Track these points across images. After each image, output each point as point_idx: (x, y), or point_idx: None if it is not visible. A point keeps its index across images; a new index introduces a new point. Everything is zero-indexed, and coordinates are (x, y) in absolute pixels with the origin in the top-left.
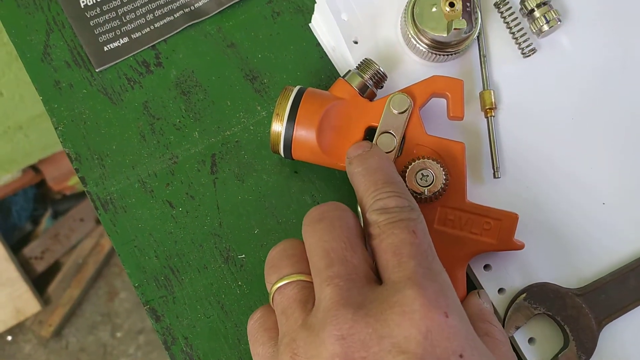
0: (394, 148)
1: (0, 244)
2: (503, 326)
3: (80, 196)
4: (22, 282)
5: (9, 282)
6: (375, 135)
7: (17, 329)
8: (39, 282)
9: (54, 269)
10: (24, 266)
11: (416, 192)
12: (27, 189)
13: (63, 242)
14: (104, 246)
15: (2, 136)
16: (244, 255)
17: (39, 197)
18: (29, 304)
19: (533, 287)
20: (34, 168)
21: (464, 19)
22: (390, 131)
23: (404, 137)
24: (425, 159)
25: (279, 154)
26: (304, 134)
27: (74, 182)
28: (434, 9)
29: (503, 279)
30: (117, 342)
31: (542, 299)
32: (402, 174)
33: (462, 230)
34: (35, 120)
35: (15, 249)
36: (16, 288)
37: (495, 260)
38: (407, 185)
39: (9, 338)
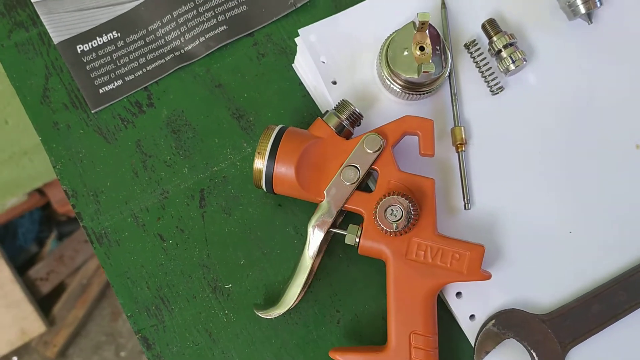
0: (357, 180)
1: (7, 266)
2: (473, 352)
3: None
4: (28, 303)
5: (14, 303)
6: (341, 168)
7: (22, 350)
8: (44, 303)
9: (59, 290)
10: (30, 287)
11: (386, 228)
12: (32, 211)
13: (68, 264)
14: None
15: (8, 161)
16: (230, 285)
17: (44, 219)
18: (35, 325)
19: (501, 314)
20: (40, 191)
21: (433, 63)
22: (356, 165)
23: (377, 172)
24: (394, 196)
25: (261, 188)
26: (284, 170)
27: None
28: (405, 53)
29: (474, 305)
30: None
31: (510, 325)
32: (374, 209)
33: (432, 262)
34: (40, 146)
35: (21, 270)
36: (22, 309)
37: (466, 288)
38: (378, 221)
39: (15, 359)
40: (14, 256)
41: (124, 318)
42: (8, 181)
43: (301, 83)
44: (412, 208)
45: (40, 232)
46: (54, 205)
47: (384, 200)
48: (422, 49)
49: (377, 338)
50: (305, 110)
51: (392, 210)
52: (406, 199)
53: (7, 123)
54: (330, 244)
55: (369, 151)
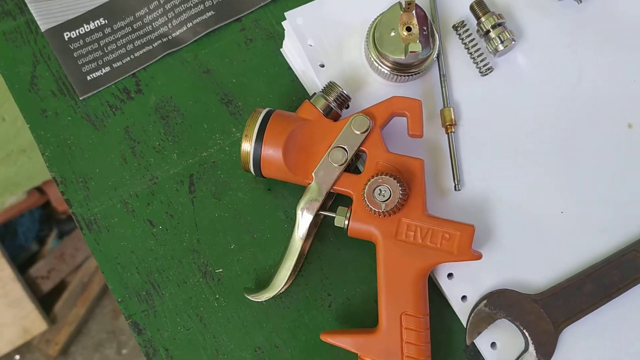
0: (345, 161)
1: (8, 265)
2: (465, 332)
3: None
4: (29, 301)
5: (16, 302)
6: (329, 149)
7: (24, 348)
8: (46, 302)
9: (60, 288)
10: (31, 286)
11: (375, 208)
12: (32, 210)
13: (68, 262)
14: None
15: (6, 159)
16: (221, 270)
17: (45, 217)
18: (36, 323)
19: (493, 294)
20: (39, 189)
21: (420, 42)
22: (344, 146)
23: (365, 154)
24: (382, 176)
25: (250, 172)
26: (271, 153)
27: None
28: (392, 34)
29: (465, 286)
30: (122, 359)
31: (501, 305)
32: (362, 190)
33: (422, 242)
34: None
35: (22, 269)
36: (23, 308)
37: (457, 269)
38: (367, 202)
39: (17, 357)
40: (14, 255)
41: None
42: (6, 179)
43: (290, 68)
44: (400, 188)
45: (41, 231)
46: (53, 204)
47: (372, 180)
48: (408, 29)
49: (368, 321)
50: (294, 95)
51: (380, 190)
52: (394, 179)
53: (4, 120)
54: (321, 227)
55: (357, 132)
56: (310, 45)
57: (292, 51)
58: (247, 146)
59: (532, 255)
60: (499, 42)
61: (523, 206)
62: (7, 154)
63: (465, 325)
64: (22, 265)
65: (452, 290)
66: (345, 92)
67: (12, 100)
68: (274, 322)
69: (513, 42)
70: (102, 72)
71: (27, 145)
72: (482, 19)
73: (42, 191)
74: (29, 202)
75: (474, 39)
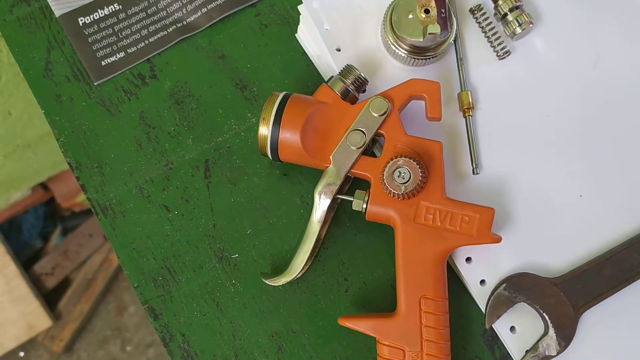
0: (363, 144)
1: (12, 261)
2: (484, 317)
3: (88, 212)
4: (34, 298)
5: (20, 298)
6: (347, 132)
7: (29, 345)
8: (50, 298)
9: (64, 285)
10: (35, 282)
11: (394, 190)
12: (37, 206)
13: (73, 258)
14: (113, 261)
15: (12, 155)
16: (237, 255)
17: (49, 214)
18: (40, 320)
19: (512, 278)
20: (44, 186)
21: (438, 24)
22: (362, 129)
23: (383, 138)
24: (402, 158)
25: (267, 156)
26: (289, 136)
27: (82, 199)
28: (410, 16)
29: (484, 270)
30: (127, 355)
31: (521, 289)
32: (382, 172)
33: (442, 225)
34: (44, 139)
35: (27, 265)
36: (28, 304)
37: (475, 253)
38: (386, 184)
39: (22, 354)
40: (19, 251)
41: (130, 312)
42: (12, 175)
43: (305, 53)
44: (420, 170)
45: (45, 227)
46: (58, 200)
47: (391, 162)
48: (427, 11)
49: (385, 305)
50: (309, 80)
51: (399, 172)
52: (414, 161)
53: (11, 114)
54: (337, 213)
55: (375, 115)
56: (327, 29)
57: (308, 36)
58: (265, 130)
59: (551, 239)
60: (517, 25)
61: (541, 190)
62: (13, 149)
63: (483, 310)
64: (26, 262)
65: (470, 274)
66: (362, 74)
67: (18, 94)
68: (290, 307)
69: (531, 25)
70: (116, 57)
71: (32, 140)
72: (500, 2)
73: (47, 187)
74: (33, 198)
75: (491, 22)
